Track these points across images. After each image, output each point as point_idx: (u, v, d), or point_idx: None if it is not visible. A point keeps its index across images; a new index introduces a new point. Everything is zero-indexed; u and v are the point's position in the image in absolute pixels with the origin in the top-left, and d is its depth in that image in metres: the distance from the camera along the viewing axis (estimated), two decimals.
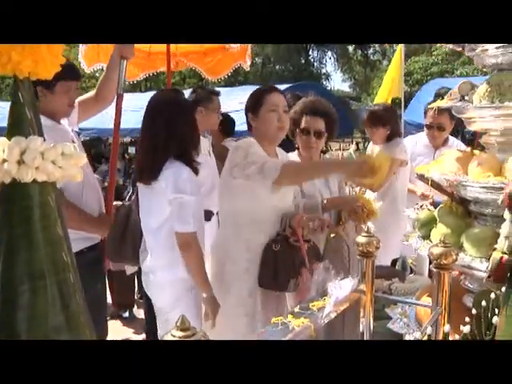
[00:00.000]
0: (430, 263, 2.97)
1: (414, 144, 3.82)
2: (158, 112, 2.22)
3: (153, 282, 2.34)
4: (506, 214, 0.78)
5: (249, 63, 4.24)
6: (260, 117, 2.30)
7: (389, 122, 3.57)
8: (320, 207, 2.61)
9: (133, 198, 2.73)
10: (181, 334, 0.82)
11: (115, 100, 2.63)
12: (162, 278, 2.29)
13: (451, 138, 3.88)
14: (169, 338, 0.80)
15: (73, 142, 2.43)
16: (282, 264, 2.23)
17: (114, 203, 2.63)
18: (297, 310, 1.34)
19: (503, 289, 0.89)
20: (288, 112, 2.37)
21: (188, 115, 2.29)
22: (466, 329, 0.92)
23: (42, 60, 0.58)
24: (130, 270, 2.71)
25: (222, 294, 2.28)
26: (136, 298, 4.88)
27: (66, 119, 2.42)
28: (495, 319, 0.86)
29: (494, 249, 0.77)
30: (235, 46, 3.89)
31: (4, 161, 0.53)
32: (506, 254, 0.75)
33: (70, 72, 2.19)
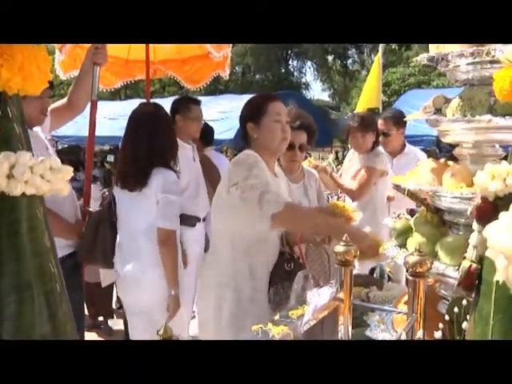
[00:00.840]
0: (407, 271, 3.03)
1: None
2: (141, 124, 2.45)
3: (140, 282, 2.41)
4: (475, 225, 0.82)
5: (228, 72, 4.24)
6: (263, 127, 2.11)
7: (376, 129, 3.63)
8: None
9: (104, 204, 2.85)
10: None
11: (89, 107, 2.63)
12: (153, 276, 2.40)
13: (408, 146, 4.00)
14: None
15: (46, 149, 2.43)
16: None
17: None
18: (276, 317, 1.37)
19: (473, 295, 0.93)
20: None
21: (168, 127, 2.52)
22: (437, 334, 0.96)
23: (30, 77, 0.60)
24: (105, 282, 2.67)
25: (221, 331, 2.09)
26: (114, 307, 4.83)
27: (38, 127, 2.41)
28: (465, 324, 0.90)
29: (464, 257, 0.81)
30: (218, 55, 3.89)
31: None
32: (474, 262, 0.79)
33: None
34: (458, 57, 1.70)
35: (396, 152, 3.88)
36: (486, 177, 0.78)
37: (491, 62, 1.67)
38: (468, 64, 1.70)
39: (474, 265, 0.79)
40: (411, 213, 2.29)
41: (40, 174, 0.58)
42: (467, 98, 1.66)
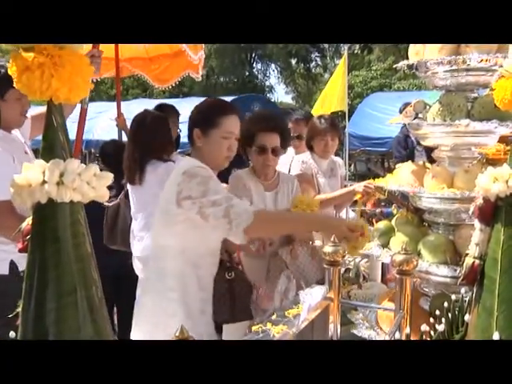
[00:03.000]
0: (382, 270, 3.12)
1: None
2: (137, 125, 2.85)
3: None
4: (477, 224, 0.88)
5: (201, 74, 4.19)
6: (209, 140, 1.94)
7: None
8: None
9: (120, 196, 3.18)
10: None
11: (79, 113, 2.60)
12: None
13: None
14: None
15: (25, 153, 2.37)
16: (239, 291, 1.97)
17: None
18: (274, 317, 1.40)
19: (467, 290, 1.00)
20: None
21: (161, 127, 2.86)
22: (423, 327, 1.02)
23: (76, 87, 0.61)
24: None
25: None
26: None
27: (17, 130, 2.36)
28: (467, 317, 0.96)
29: (466, 254, 0.87)
30: (195, 58, 3.85)
31: (44, 182, 0.56)
32: (477, 259, 0.85)
33: None
34: (436, 64, 1.78)
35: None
36: (488, 179, 0.84)
37: (467, 70, 1.77)
38: (446, 71, 1.79)
39: (477, 261, 0.85)
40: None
41: (87, 181, 0.59)
42: (446, 104, 1.74)
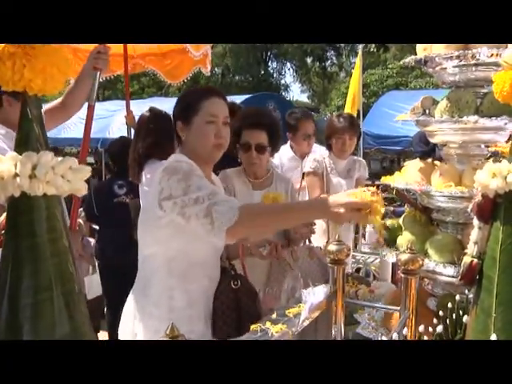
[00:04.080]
0: (393, 268, 3.06)
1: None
2: (139, 126, 2.95)
3: None
4: (475, 222, 0.85)
5: (209, 68, 4.18)
6: (192, 128, 1.73)
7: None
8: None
9: None
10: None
11: (86, 110, 2.61)
12: None
13: (315, 145, 3.81)
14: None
15: None
16: (246, 302, 1.80)
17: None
18: (274, 316, 1.38)
19: (472, 291, 0.96)
20: (228, 124, 1.78)
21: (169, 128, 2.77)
22: (420, 328, 0.99)
23: (51, 78, 0.60)
24: (90, 295, 2.72)
25: None
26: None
27: None
28: (465, 318, 0.93)
29: (465, 253, 0.84)
30: (197, 54, 3.87)
31: (16, 175, 0.54)
32: (475, 258, 0.82)
33: None
34: (444, 59, 1.74)
35: (303, 154, 3.68)
36: (486, 175, 0.81)
37: (476, 65, 1.72)
38: (454, 66, 1.74)
39: (475, 260, 0.82)
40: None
41: (61, 174, 0.58)
42: (455, 100, 1.70)
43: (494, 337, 0.78)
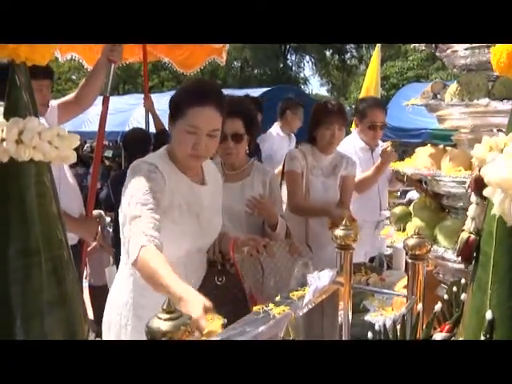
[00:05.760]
0: (407, 254, 3.03)
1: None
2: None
3: None
4: (473, 197, 0.84)
5: (225, 58, 4.04)
6: (174, 131, 1.67)
7: None
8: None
9: None
10: (166, 316, 0.85)
11: (101, 102, 2.65)
12: None
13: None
14: (155, 320, 0.83)
15: None
16: (232, 299, 1.73)
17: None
18: (278, 299, 1.39)
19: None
20: (216, 136, 1.67)
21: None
22: (437, 307, 0.98)
23: (36, 46, 0.61)
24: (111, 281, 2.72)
25: None
26: None
27: (42, 118, 2.44)
28: (463, 296, 0.92)
29: (462, 230, 0.83)
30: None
31: (2, 140, 0.56)
32: (472, 234, 0.81)
33: (42, 70, 2.20)
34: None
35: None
36: (483, 149, 0.79)
37: (488, 47, 1.69)
38: (466, 49, 1.71)
39: (473, 236, 0.80)
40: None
41: (48, 141, 0.59)
42: (465, 83, 1.67)
43: (489, 313, 0.77)
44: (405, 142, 10.91)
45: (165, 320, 0.83)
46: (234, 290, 1.76)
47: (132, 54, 3.98)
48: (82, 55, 3.78)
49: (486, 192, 0.64)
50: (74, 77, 23.10)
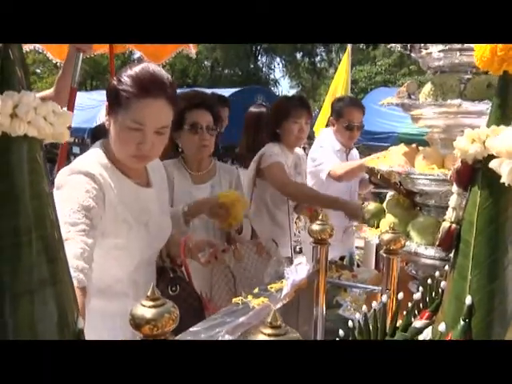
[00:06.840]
0: (376, 256, 3.07)
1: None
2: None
3: None
4: (454, 188, 0.87)
5: (194, 51, 4.06)
6: (114, 122, 1.42)
7: None
8: (182, 219, 1.97)
9: None
10: (150, 303, 0.84)
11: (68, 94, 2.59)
12: None
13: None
14: (140, 308, 0.82)
15: None
16: (187, 309, 1.54)
17: None
18: (256, 291, 1.39)
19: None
20: (165, 134, 1.46)
21: None
22: (416, 296, 1.01)
23: None
24: None
25: None
26: None
27: None
28: (443, 283, 0.95)
29: (443, 220, 0.86)
30: None
31: None
32: (453, 223, 0.84)
33: None
34: (430, 44, 1.76)
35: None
36: (465, 141, 0.82)
37: (461, 50, 1.75)
38: (440, 51, 1.76)
39: (454, 225, 0.83)
40: None
41: (43, 116, 0.58)
42: (439, 84, 1.72)
43: (468, 299, 0.80)
44: (372, 145, 11.14)
45: (149, 307, 0.82)
46: (190, 299, 1.63)
47: (100, 45, 3.90)
48: (47, 48, 3.68)
49: (492, 164, 0.67)
50: (38, 70, 22.51)
